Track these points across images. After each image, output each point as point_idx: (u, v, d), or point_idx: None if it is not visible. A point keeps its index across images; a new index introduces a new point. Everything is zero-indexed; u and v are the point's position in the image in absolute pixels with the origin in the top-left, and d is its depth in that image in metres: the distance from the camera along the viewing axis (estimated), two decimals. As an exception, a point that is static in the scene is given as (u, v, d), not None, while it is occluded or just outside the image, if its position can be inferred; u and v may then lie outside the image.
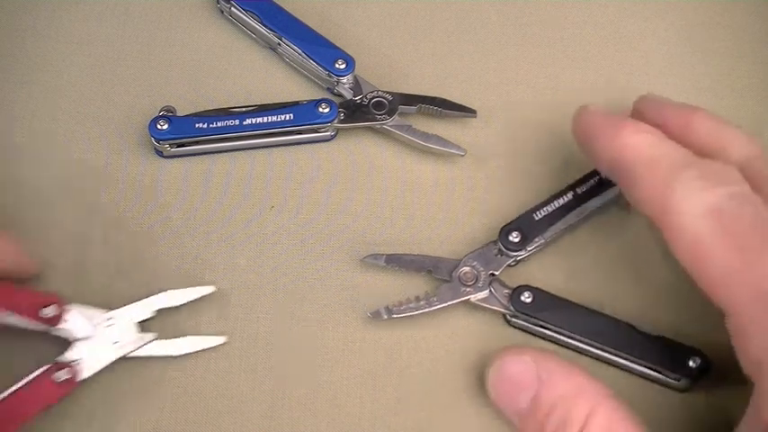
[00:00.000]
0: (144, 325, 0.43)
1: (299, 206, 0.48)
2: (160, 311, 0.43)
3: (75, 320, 0.41)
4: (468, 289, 0.45)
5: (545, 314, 0.44)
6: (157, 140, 0.47)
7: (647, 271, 0.46)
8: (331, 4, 0.53)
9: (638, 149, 0.40)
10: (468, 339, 0.45)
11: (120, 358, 0.42)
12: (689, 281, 0.39)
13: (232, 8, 0.51)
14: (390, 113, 0.49)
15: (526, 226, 0.45)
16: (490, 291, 0.45)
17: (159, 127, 0.47)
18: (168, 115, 0.48)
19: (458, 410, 0.43)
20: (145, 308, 0.43)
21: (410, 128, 0.48)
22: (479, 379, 0.43)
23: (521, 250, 0.45)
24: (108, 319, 0.42)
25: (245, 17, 0.51)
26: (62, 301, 0.41)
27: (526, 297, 0.44)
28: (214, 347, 0.44)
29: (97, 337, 0.41)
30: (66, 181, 0.47)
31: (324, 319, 0.45)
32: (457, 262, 0.45)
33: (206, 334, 0.44)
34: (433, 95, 0.49)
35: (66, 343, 0.42)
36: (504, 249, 0.45)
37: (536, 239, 0.45)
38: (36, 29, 0.51)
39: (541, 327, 0.44)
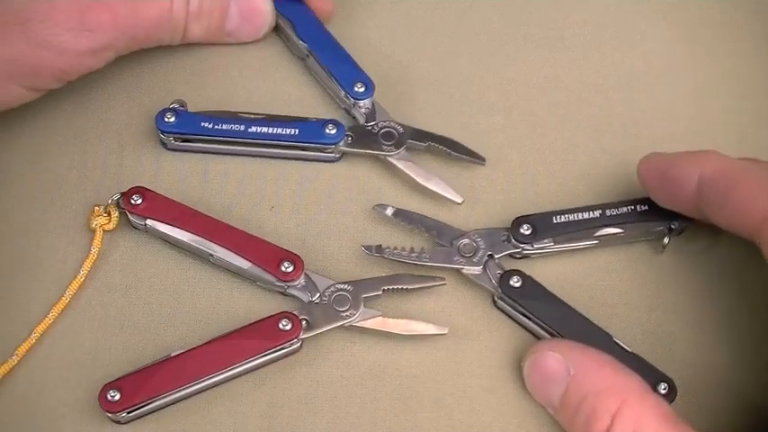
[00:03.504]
0: (368, 301, 0.44)
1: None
2: (387, 291, 0.44)
3: (308, 283, 0.44)
4: (462, 260, 0.45)
5: (529, 302, 0.44)
6: (162, 132, 0.47)
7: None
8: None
9: (731, 162, 0.41)
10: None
11: (339, 327, 0.44)
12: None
13: None
14: (398, 146, 0.48)
15: (541, 224, 0.45)
16: (484, 268, 0.45)
17: (166, 119, 0.47)
18: (178, 109, 0.48)
19: (459, 411, 0.43)
20: (373, 285, 0.44)
21: (413, 165, 0.47)
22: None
23: (528, 244, 0.45)
24: (337, 290, 0.44)
25: (280, 23, 0.51)
26: (301, 263, 0.44)
27: (515, 281, 0.44)
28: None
29: (325, 304, 0.44)
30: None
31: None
32: (462, 233, 0.46)
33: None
34: (443, 135, 0.48)
35: (298, 302, 0.44)
36: (512, 238, 0.45)
37: (546, 240, 0.45)
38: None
39: (524, 315, 0.44)
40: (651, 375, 0.42)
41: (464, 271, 0.45)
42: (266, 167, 0.48)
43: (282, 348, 0.43)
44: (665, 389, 0.42)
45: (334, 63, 0.49)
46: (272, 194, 0.48)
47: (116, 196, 0.46)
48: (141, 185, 0.46)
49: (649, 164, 0.45)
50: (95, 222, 0.45)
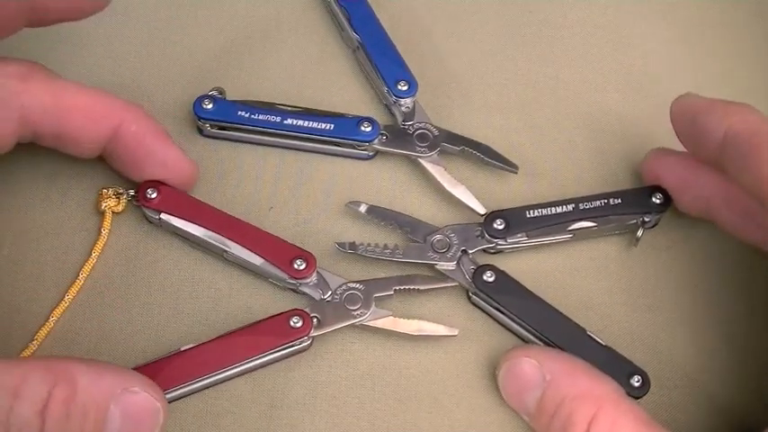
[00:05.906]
0: (378, 301, 0.44)
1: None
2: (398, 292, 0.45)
3: (320, 281, 0.44)
4: (435, 255, 0.45)
5: (503, 297, 0.44)
6: (199, 119, 0.47)
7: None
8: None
9: (757, 123, 0.40)
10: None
11: (350, 326, 0.44)
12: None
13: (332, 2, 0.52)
14: (431, 148, 0.47)
15: (514, 218, 0.45)
16: (457, 263, 0.45)
17: (204, 106, 0.47)
18: (216, 96, 0.48)
19: (458, 411, 0.43)
20: (385, 284, 0.44)
21: (443, 170, 0.47)
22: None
23: (501, 238, 0.45)
24: (349, 288, 0.44)
25: (337, 12, 0.51)
26: (314, 261, 0.44)
27: (488, 276, 0.44)
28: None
29: (336, 302, 0.44)
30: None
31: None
32: (435, 228, 0.46)
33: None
34: (479, 141, 0.48)
35: (309, 300, 0.45)
36: (485, 233, 0.45)
37: (519, 234, 0.45)
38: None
39: (498, 309, 0.44)
40: (625, 368, 0.42)
41: (438, 267, 0.45)
42: (267, 164, 0.48)
43: (292, 345, 0.43)
44: (638, 381, 0.42)
45: (381, 58, 0.49)
46: (271, 194, 0.48)
47: (131, 192, 0.46)
48: (157, 179, 0.45)
49: (682, 105, 0.43)
50: (104, 204, 0.46)
